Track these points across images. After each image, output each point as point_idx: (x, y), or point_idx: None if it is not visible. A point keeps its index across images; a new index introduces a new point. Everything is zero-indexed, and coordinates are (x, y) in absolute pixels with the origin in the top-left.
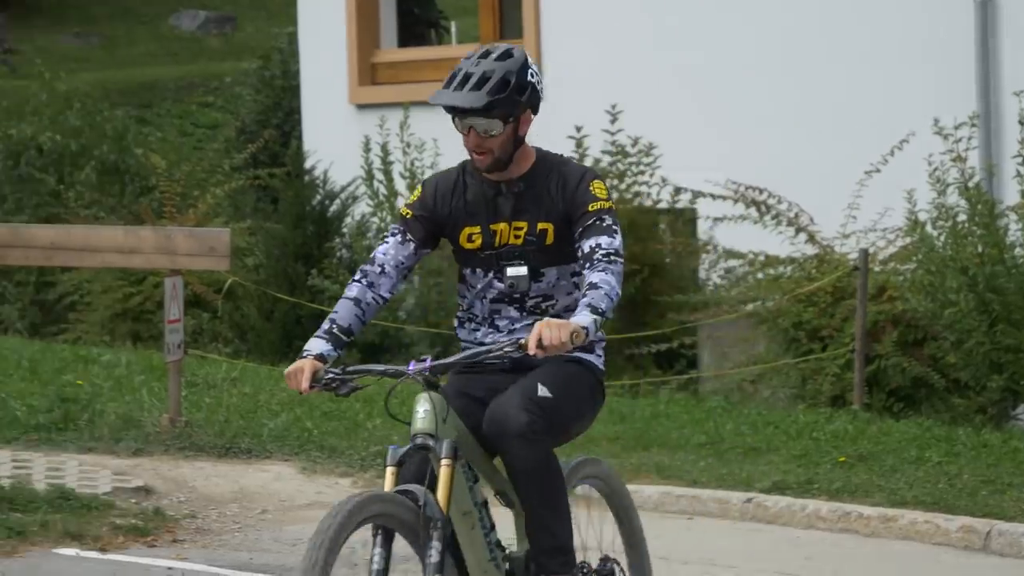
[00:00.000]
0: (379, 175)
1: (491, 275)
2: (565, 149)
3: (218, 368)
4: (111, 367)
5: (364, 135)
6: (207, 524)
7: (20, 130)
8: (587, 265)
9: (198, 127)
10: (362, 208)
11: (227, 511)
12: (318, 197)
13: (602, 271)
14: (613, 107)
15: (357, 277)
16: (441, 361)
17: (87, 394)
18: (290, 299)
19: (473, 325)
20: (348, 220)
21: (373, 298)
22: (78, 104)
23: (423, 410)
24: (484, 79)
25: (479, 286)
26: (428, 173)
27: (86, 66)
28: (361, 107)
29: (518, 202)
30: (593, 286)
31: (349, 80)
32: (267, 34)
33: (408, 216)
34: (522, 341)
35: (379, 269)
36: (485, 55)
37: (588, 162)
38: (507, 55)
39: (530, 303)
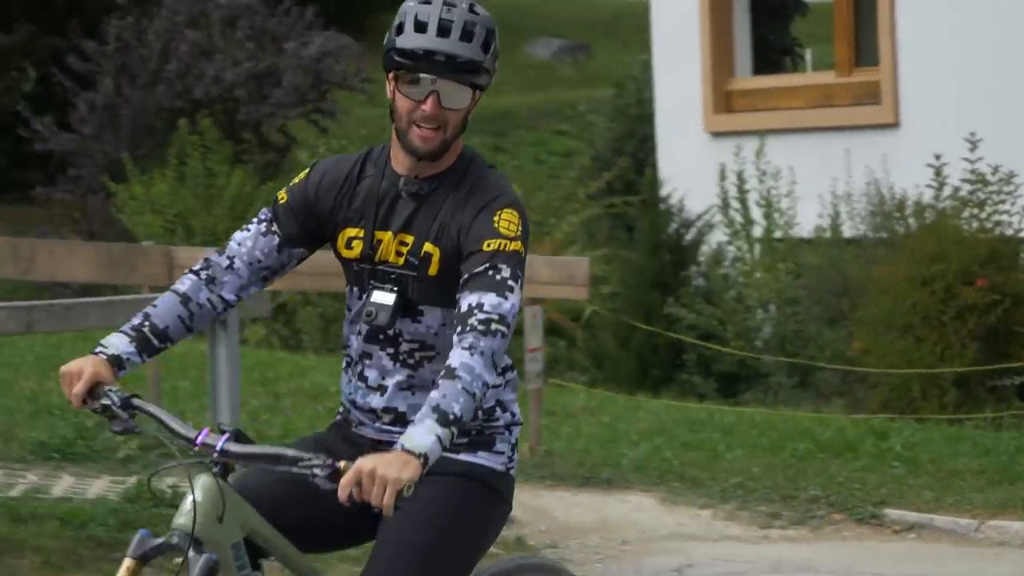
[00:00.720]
0: (734, 203)
1: (364, 299)
2: (923, 178)
3: (576, 397)
4: None
5: (719, 163)
6: (568, 554)
7: None
8: (458, 330)
9: (552, 155)
10: (718, 236)
11: (588, 541)
12: (674, 225)
13: (469, 348)
14: (972, 135)
15: (197, 267)
16: (233, 448)
17: None
18: (646, 327)
19: (348, 372)
20: (704, 248)
21: (208, 299)
22: None
23: (191, 501)
24: (467, 31)
25: (354, 312)
26: (784, 202)
27: None
28: (716, 135)
29: (415, 209)
30: (450, 373)
31: (704, 108)
32: (621, 62)
33: (281, 201)
34: (340, 465)
35: (226, 262)
36: (449, 3)
37: (946, 191)
38: (472, 7)
39: (404, 349)
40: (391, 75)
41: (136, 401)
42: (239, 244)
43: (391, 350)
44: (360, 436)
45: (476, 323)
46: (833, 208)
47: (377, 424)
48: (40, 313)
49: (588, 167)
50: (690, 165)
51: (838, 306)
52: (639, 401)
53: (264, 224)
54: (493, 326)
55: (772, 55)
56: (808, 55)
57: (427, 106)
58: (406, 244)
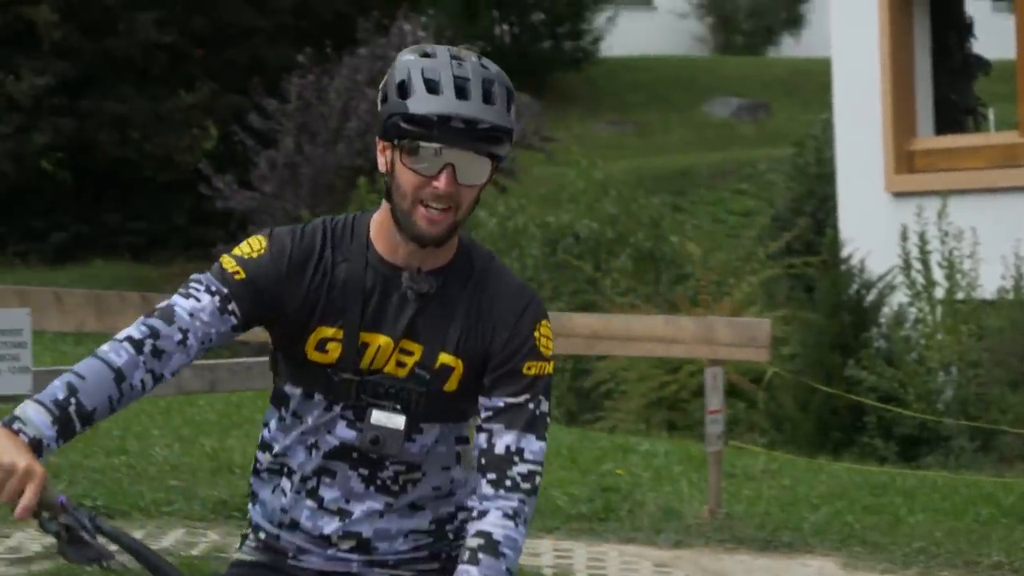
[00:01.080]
0: (916, 264)
1: (339, 413)
2: None
3: (756, 459)
4: (649, 456)
5: (901, 223)
6: None
7: (558, 217)
8: (490, 477)
9: (731, 214)
10: (899, 298)
11: None
12: (854, 286)
13: (514, 516)
14: None
15: (137, 335)
16: None
17: (627, 484)
18: (827, 389)
19: (282, 485)
20: (885, 310)
21: (142, 380)
22: (614, 191)
23: None
24: (487, 91)
25: (312, 422)
26: (966, 263)
27: (621, 153)
28: (897, 195)
29: (418, 310)
30: (493, 547)
31: (885, 168)
32: (801, 121)
33: (236, 276)
34: None
35: (178, 336)
36: (457, 57)
37: None
38: (482, 61)
39: (388, 472)
40: (389, 144)
41: (106, 525)
42: (192, 316)
43: (365, 471)
44: (300, 569)
45: (519, 478)
46: (1016, 269)
47: (330, 551)
48: (223, 372)
49: (768, 227)
50: (871, 225)
51: (1021, 369)
52: (819, 464)
53: (219, 300)
54: (536, 480)
55: (954, 114)
56: (991, 114)
57: (440, 183)
58: (411, 353)
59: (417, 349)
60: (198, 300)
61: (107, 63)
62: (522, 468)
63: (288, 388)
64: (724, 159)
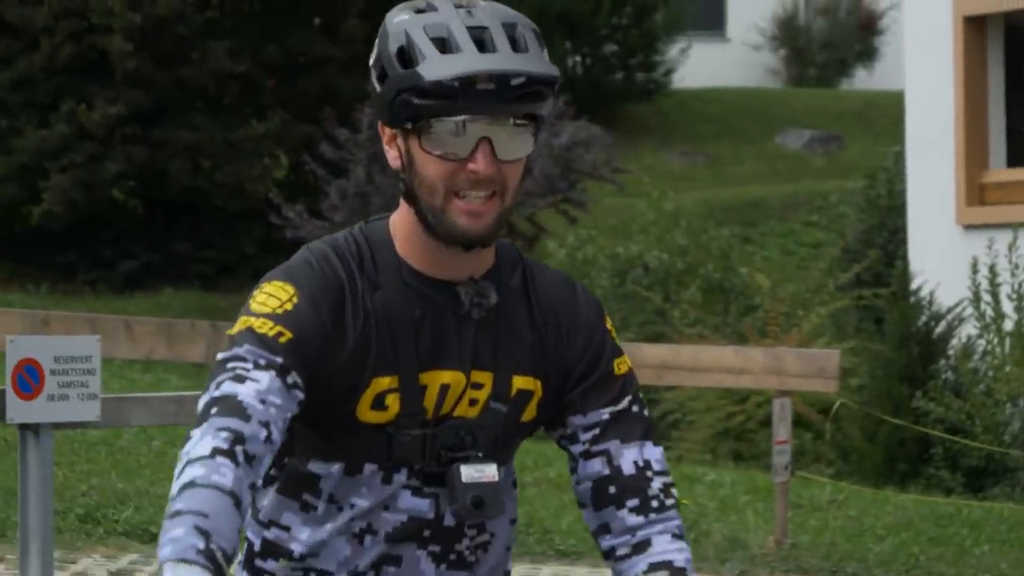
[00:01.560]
0: (986, 296)
1: (403, 482)
2: None
3: (822, 489)
4: (716, 486)
5: (972, 256)
6: None
7: (627, 248)
8: (634, 506)
9: (802, 246)
10: (968, 330)
11: None
12: (923, 318)
13: (680, 536)
14: None
15: (223, 444)
16: None
17: (693, 513)
18: (894, 421)
19: None
20: (954, 342)
21: (248, 490)
22: (684, 222)
23: None
24: (513, 37)
25: (365, 503)
26: None
27: (692, 184)
28: (968, 227)
29: (478, 329)
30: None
31: (956, 200)
32: (873, 153)
33: (284, 340)
34: None
35: (263, 433)
36: (461, 5)
37: None
38: (491, 3)
39: (464, 542)
40: (398, 131)
41: None
42: (264, 403)
43: (437, 548)
44: None
45: (662, 495)
46: None
47: None
48: None
49: (837, 259)
50: (941, 258)
51: None
52: (886, 495)
53: (276, 374)
54: (674, 492)
55: None
56: None
57: (478, 164)
58: (481, 386)
59: (487, 378)
60: (256, 381)
61: (179, 92)
62: (658, 483)
63: (317, 467)
64: (795, 191)
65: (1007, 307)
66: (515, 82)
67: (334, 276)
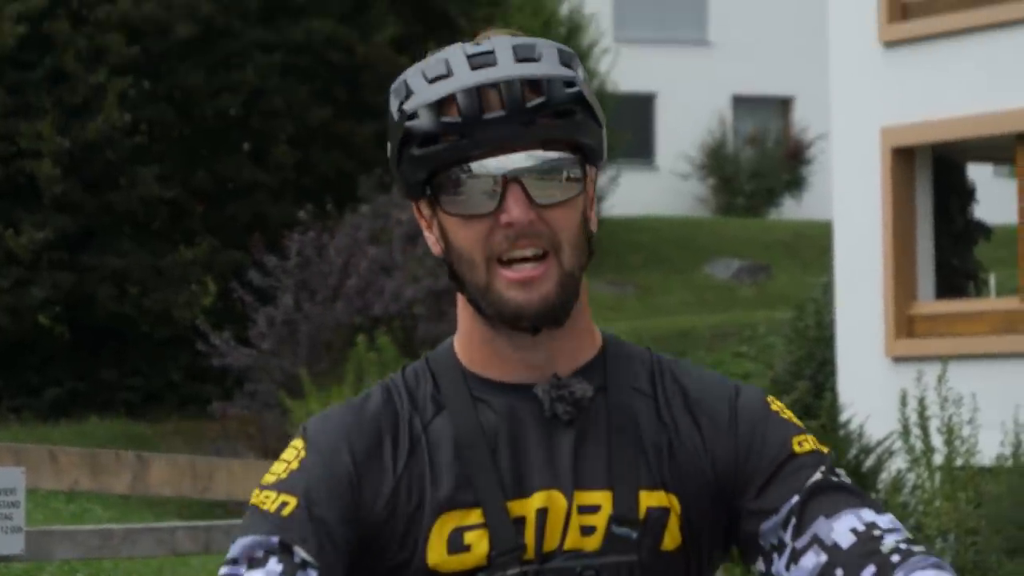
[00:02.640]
0: (915, 430)
1: None
2: None
3: None
4: None
5: (901, 388)
6: None
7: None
8: (875, 573)
9: (731, 376)
10: (898, 463)
11: None
12: (853, 451)
13: (939, 566)
14: None
15: None
16: None
17: None
18: None
19: None
20: (884, 476)
21: None
22: None
23: None
24: (523, 51)
25: None
26: (967, 429)
27: (622, 314)
28: (897, 359)
29: (584, 438)
30: None
31: (885, 332)
32: (801, 283)
33: (288, 511)
34: None
35: None
36: (474, 42)
37: None
38: (515, 35)
39: None
40: (426, 205)
41: None
42: None
43: None
44: None
45: (901, 545)
46: (1016, 436)
47: None
48: (218, 533)
49: (767, 390)
50: (870, 390)
51: (1019, 536)
52: None
53: (277, 561)
54: (921, 547)
55: (955, 279)
56: (992, 280)
57: (510, 211)
58: (595, 509)
59: (603, 498)
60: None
61: (107, 217)
62: (891, 540)
63: None
64: (724, 321)
65: (937, 441)
66: (531, 102)
67: (370, 414)
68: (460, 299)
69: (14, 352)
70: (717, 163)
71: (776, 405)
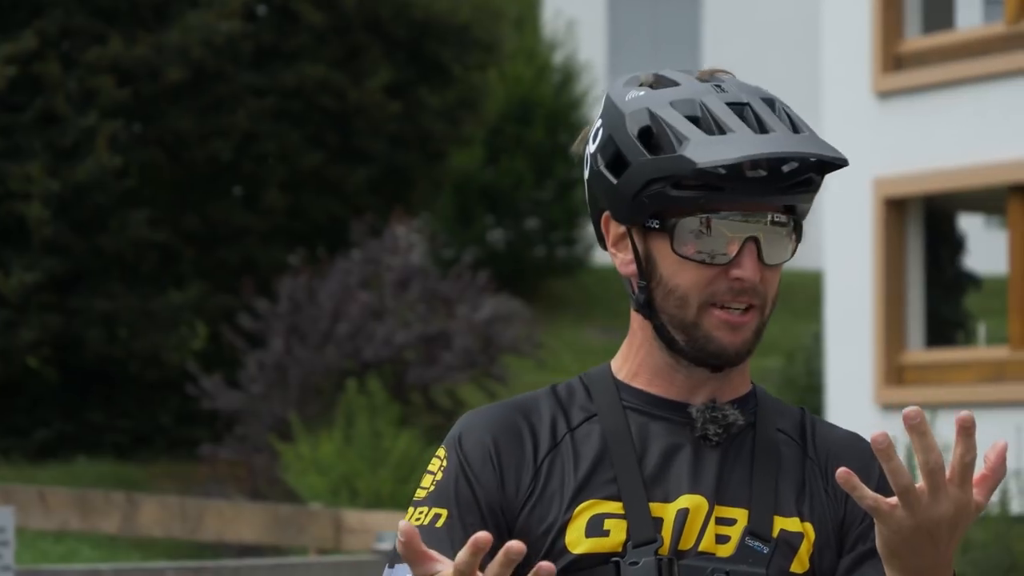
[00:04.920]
0: None
1: None
2: None
3: None
4: None
5: (891, 435)
6: None
7: None
8: None
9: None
10: None
11: None
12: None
13: None
14: None
15: None
16: None
17: None
18: None
19: None
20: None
21: None
22: None
23: None
24: (786, 113)
25: None
26: None
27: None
28: (886, 407)
29: (729, 459)
30: None
31: (875, 380)
32: (792, 332)
33: (442, 523)
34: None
35: None
36: (705, 79)
37: None
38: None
39: None
40: (635, 229)
41: None
42: None
43: None
44: None
45: None
46: (1002, 484)
47: None
48: (208, 575)
49: None
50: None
51: None
52: None
53: None
54: None
55: (945, 328)
56: (982, 329)
57: (744, 268)
58: (731, 521)
59: (740, 514)
60: None
61: (97, 260)
62: None
63: None
64: None
65: None
66: (787, 168)
67: (509, 415)
68: (635, 318)
69: (3, 393)
70: None
71: None
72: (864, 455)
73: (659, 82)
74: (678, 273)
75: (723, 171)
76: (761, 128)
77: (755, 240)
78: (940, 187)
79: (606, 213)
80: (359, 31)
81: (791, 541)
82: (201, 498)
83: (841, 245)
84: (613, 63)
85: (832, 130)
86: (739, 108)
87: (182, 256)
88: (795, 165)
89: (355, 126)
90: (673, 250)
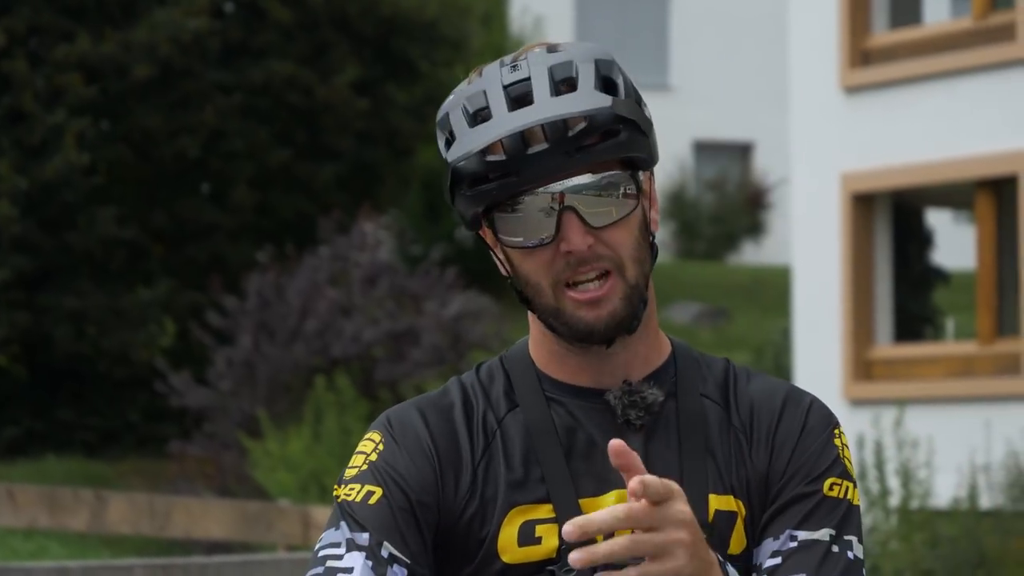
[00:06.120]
0: (873, 472)
1: None
2: None
3: None
4: None
5: (857, 432)
6: None
7: None
8: None
9: None
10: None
11: None
12: None
13: None
14: None
15: None
16: None
17: None
18: None
19: None
20: None
21: None
22: None
23: None
24: (560, 79)
25: None
26: (923, 472)
27: None
28: (855, 403)
29: (654, 441)
30: None
31: (843, 376)
32: (760, 327)
33: (374, 500)
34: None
35: None
36: (511, 62)
37: None
38: (553, 48)
39: None
40: (487, 231)
41: None
42: None
43: None
44: None
45: None
46: (971, 479)
47: None
48: (176, 571)
49: None
50: None
51: None
52: None
53: (367, 557)
54: None
55: (913, 323)
56: (950, 324)
57: (569, 241)
58: None
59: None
60: (348, 571)
61: (65, 258)
62: None
63: None
64: None
65: (893, 483)
66: (572, 132)
67: (443, 403)
68: (531, 315)
69: None
70: (678, 208)
71: (839, 439)
72: (774, 412)
73: (473, 78)
74: (522, 263)
75: (491, 160)
76: (522, 102)
77: (572, 209)
78: (908, 182)
79: None
80: (327, 28)
81: (727, 521)
82: (170, 495)
83: (809, 240)
84: None
85: (800, 125)
86: (518, 86)
87: (150, 253)
88: (583, 125)
89: (323, 123)
90: (506, 244)
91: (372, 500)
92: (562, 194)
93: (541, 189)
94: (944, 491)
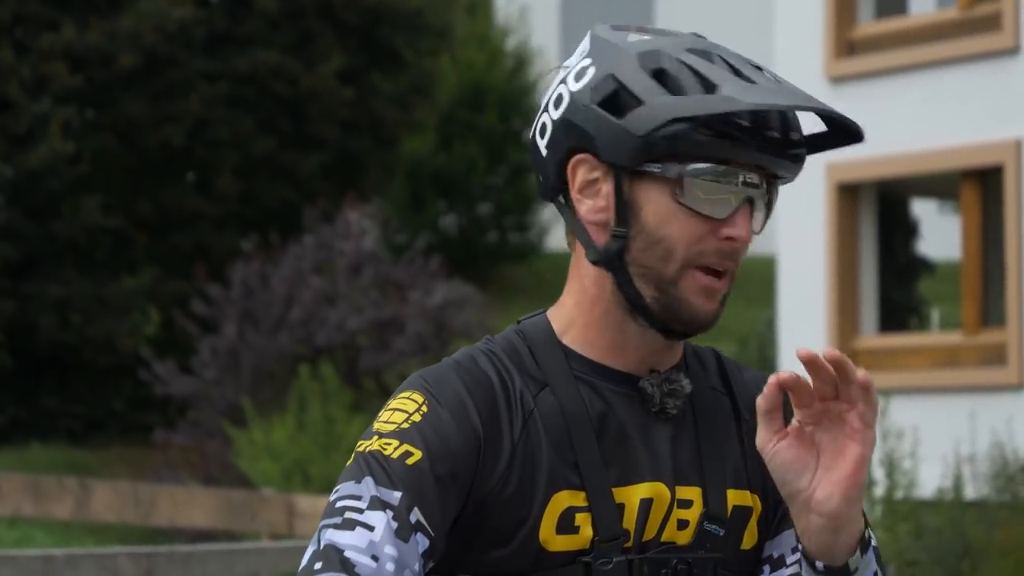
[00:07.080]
0: None
1: None
2: None
3: None
4: None
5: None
6: None
7: None
8: None
9: None
10: None
11: None
12: None
13: None
14: None
15: None
16: None
17: None
18: None
19: None
20: None
21: None
22: None
23: None
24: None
25: None
26: (908, 462)
27: None
28: None
29: (679, 433)
30: None
31: None
32: (745, 318)
33: (412, 461)
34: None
35: None
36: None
37: None
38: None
39: None
40: (619, 172)
41: None
42: (377, 559)
43: None
44: None
45: None
46: (956, 469)
47: None
48: (161, 559)
49: None
50: None
51: (958, 568)
52: None
53: (394, 517)
54: None
55: (898, 314)
56: (935, 314)
57: (738, 227)
58: (688, 503)
59: (695, 494)
60: (369, 527)
61: (50, 246)
62: None
63: None
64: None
65: (878, 473)
66: (795, 136)
67: (479, 373)
68: (588, 273)
69: None
70: None
71: None
72: None
73: (654, 32)
74: (668, 223)
75: (747, 123)
76: (773, 80)
77: (751, 202)
78: (893, 172)
79: (578, 156)
80: (312, 17)
81: (742, 516)
82: (154, 483)
83: (794, 230)
84: (566, 49)
85: None
86: (750, 65)
87: (135, 242)
88: (799, 135)
89: (308, 112)
90: (675, 200)
91: (410, 460)
92: (769, 188)
93: (753, 175)
94: (929, 481)
